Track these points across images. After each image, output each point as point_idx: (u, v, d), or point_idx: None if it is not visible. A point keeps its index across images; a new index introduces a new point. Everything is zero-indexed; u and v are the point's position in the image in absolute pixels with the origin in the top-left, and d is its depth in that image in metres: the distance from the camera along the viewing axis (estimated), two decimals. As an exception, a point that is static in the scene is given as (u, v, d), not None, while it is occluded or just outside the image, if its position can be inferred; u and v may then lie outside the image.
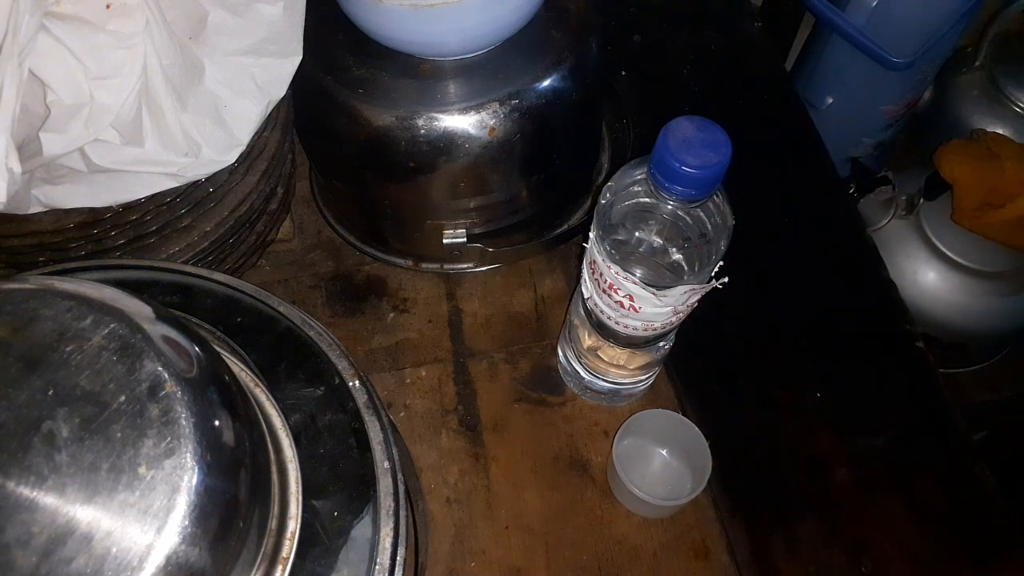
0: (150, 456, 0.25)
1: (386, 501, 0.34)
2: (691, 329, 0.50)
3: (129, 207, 0.46)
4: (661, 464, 0.55)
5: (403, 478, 0.36)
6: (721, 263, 0.42)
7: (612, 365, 0.53)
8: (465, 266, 0.62)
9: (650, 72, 0.74)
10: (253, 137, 0.49)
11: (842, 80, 1.03)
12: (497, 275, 0.63)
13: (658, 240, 0.42)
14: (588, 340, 0.52)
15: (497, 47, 0.51)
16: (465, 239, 0.59)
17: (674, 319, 0.45)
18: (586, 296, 0.48)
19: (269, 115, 0.50)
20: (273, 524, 0.31)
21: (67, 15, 0.41)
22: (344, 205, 0.65)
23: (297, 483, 0.33)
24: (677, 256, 0.42)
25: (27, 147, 0.42)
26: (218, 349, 0.34)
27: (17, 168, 0.40)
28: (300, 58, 0.49)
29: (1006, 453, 0.98)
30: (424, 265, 0.62)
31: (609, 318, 0.46)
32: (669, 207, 0.39)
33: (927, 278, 0.98)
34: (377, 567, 0.33)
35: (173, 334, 0.28)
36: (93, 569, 0.23)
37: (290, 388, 0.37)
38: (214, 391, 0.28)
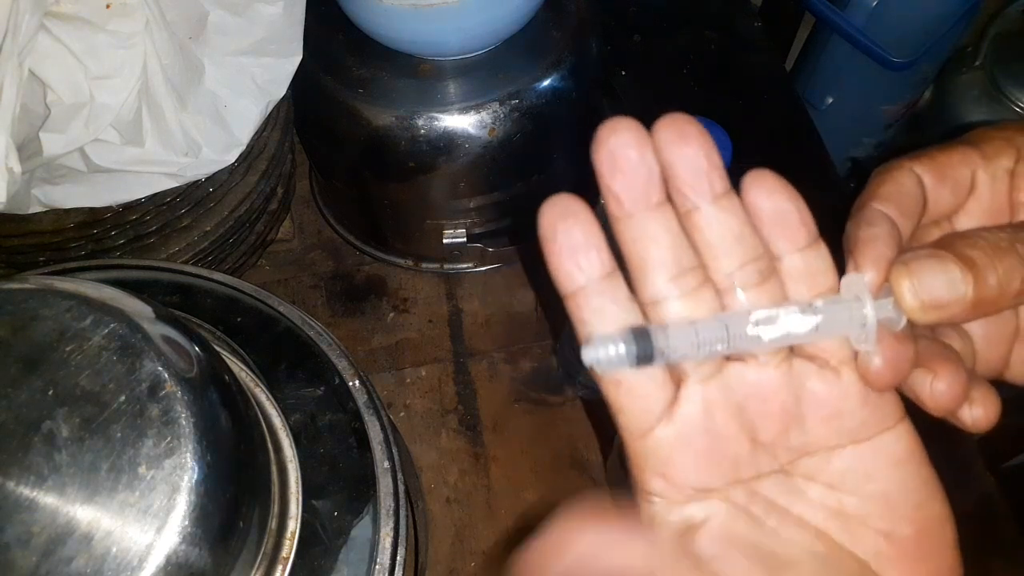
0: (150, 456, 0.25)
1: (386, 501, 0.34)
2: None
3: (129, 207, 0.46)
4: (661, 464, 0.55)
5: (403, 478, 0.36)
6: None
7: (612, 365, 0.53)
8: (465, 266, 0.62)
9: (650, 72, 0.74)
10: (253, 137, 0.49)
11: (842, 80, 1.03)
12: (497, 275, 0.63)
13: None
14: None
15: (497, 47, 0.51)
16: (465, 239, 0.59)
17: (674, 319, 0.45)
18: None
19: (269, 115, 0.50)
20: (273, 524, 0.31)
21: (67, 15, 0.41)
22: (344, 205, 0.65)
23: (297, 483, 0.33)
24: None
25: (27, 147, 0.42)
26: (218, 349, 0.34)
27: (17, 168, 0.40)
28: (300, 58, 0.49)
29: (1006, 454, 0.98)
30: (424, 265, 0.62)
31: (609, 318, 0.46)
32: (669, 207, 0.39)
33: (927, 278, 0.98)
34: (377, 567, 0.33)
35: (173, 334, 0.28)
36: (93, 569, 0.23)
37: (290, 388, 0.37)
38: (214, 391, 0.28)
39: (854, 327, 0.21)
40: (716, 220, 0.21)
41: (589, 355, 0.20)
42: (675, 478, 0.22)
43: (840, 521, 0.23)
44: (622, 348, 0.20)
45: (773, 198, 0.22)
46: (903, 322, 0.21)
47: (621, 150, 0.22)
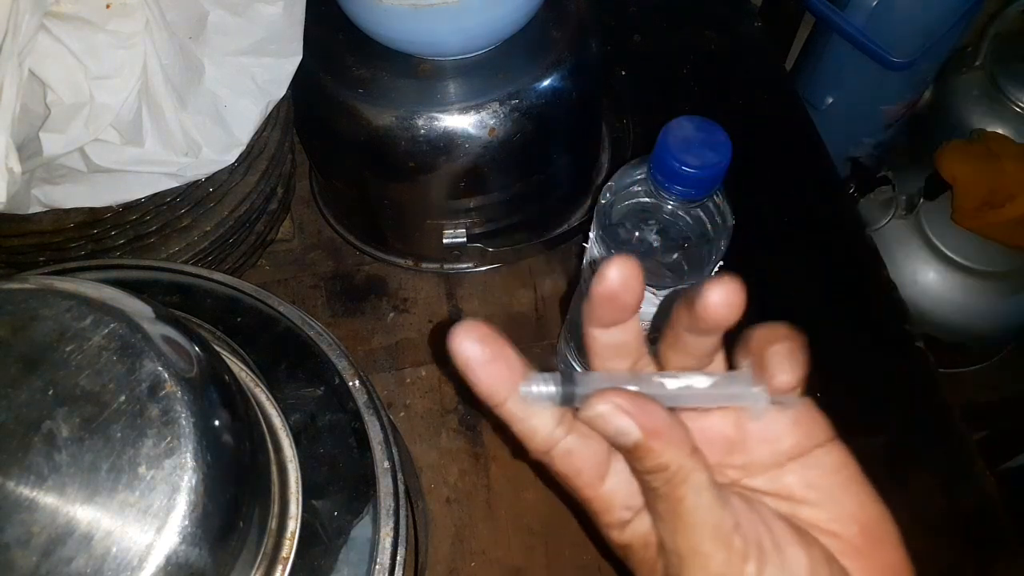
0: (150, 456, 0.25)
1: (386, 501, 0.34)
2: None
3: (129, 207, 0.46)
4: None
5: (403, 478, 0.36)
6: (721, 263, 0.42)
7: (612, 365, 0.53)
8: (465, 266, 0.62)
9: (650, 72, 0.74)
10: (253, 137, 0.49)
11: (842, 80, 1.03)
12: (497, 275, 0.63)
13: (658, 240, 0.42)
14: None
15: (497, 47, 0.51)
16: (465, 239, 0.59)
17: (674, 319, 0.45)
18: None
19: (269, 115, 0.50)
20: (273, 524, 0.31)
21: (67, 15, 0.41)
22: (344, 205, 0.65)
23: (297, 483, 0.33)
24: (677, 256, 0.42)
25: (27, 147, 0.42)
26: (218, 349, 0.34)
27: (17, 168, 0.40)
28: (300, 58, 0.49)
29: (1006, 453, 0.98)
30: (424, 265, 0.62)
31: (609, 318, 0.46)
32: (669, 207, 0.39)
33: (927, 278, 0.98)
34: (377, 567, 0.33)
35: (173, 334, 0.28)
36: (93, 569, 0.23)
37: (290, 388, 0.37)
38: (214, 391, 0.28)
39: (746, 399, 0.25)
40: (699, 343, 0.25)
41: (523, 390, 0.24)
42: (636, 505, 0.26)
43: (796, 523, 0.26)
44: (552, 387, 0.24)
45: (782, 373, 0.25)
46: (793, 404, 0.26)
47: (621, 295, 0.24)
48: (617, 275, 0.23)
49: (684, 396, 0.25)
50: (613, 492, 0.26)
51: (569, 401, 0.24)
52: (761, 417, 0.26)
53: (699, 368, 0.26)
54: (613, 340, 0.26)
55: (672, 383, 0.25)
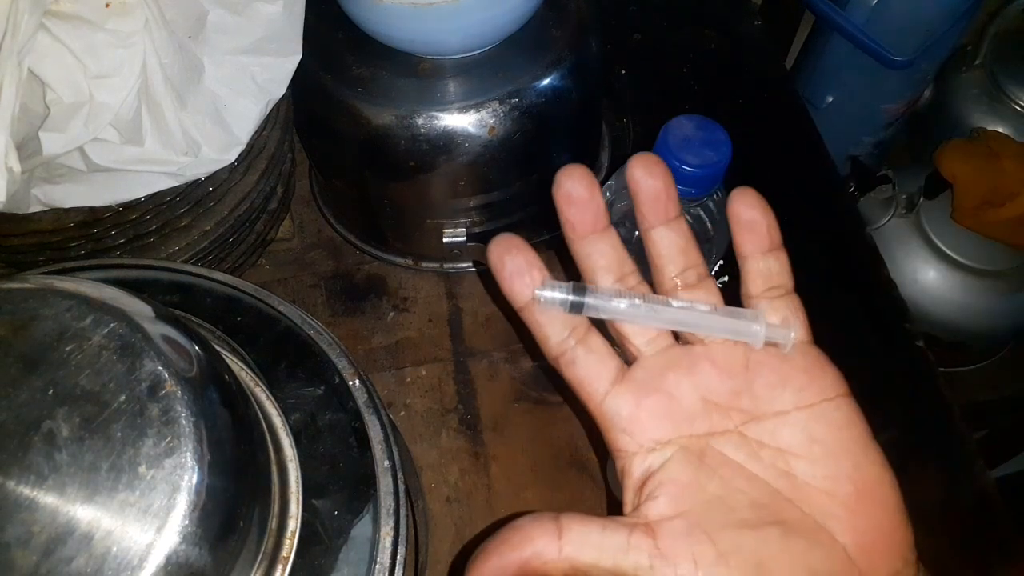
0: (150, 455, 0.25)
1: (386, 500, 0.34)
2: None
3: (129, 206, 0.46)
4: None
5: (403, 477, 0.36)
6: (721, 262, 0.42)
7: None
8: (465, 265, 0.62)
9: (650, 71, 0.74)
10: (253, 136, 0.49)
11: (842, 79, 1.03)
12: (497, 274, 0.63)
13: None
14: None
15: (497, 46, 0.51)
16: (465, 238, 0.59)
17: (674, 318, 0.45)
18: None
19: (269, 114, 0.50)
20: (273, 523, 0.31)
21: (66, 14, 0.41)
22: (344, 204, 0.65)
23: (297, 482, 0.33)
24: (677, 255, 0.42)
25: (27, 146, 0.42)
26: (218, 348, 0.34)
27: (17, 167, 0.40)
28: (300, 57, 0.49)
29: (1006, 453, 0.98)
30: (424, 264, 0.62)
31: (609, 317, 0.46)
32: (669, 206, 0.39)
33: (927, 277, 0.98)
34: (377, 566, 0.33)
35: (173, 334, 0.28)
36: (93, 569, 0.23)
37: (290, 387, 0.37)
38: (214, 391, 0.28)
39: (744, 334, 0.27)
40: (666, 237, 0.28)
41: (538, 293, 0.27)
42: (635, 432, 0.27)
43: (788, 480, 0.26)
44: (564, 294, 0.27)
45: (748, 210, 0.28)
46: (789, 346, 0.27)
47: (575, 191, 0.27)
48: (580, 188, 0.27)
49: (687, 319, 0.27)
50: (614, 413, 0.27)
51: (577, 309, 0.27)
52: (759, 345, 0.27)
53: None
54: (595, 249, 0.28)
55: (677, 303, 0.27)
